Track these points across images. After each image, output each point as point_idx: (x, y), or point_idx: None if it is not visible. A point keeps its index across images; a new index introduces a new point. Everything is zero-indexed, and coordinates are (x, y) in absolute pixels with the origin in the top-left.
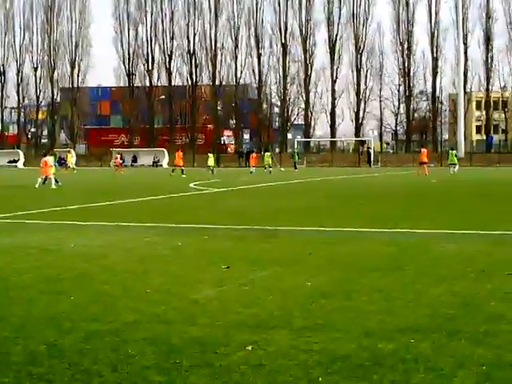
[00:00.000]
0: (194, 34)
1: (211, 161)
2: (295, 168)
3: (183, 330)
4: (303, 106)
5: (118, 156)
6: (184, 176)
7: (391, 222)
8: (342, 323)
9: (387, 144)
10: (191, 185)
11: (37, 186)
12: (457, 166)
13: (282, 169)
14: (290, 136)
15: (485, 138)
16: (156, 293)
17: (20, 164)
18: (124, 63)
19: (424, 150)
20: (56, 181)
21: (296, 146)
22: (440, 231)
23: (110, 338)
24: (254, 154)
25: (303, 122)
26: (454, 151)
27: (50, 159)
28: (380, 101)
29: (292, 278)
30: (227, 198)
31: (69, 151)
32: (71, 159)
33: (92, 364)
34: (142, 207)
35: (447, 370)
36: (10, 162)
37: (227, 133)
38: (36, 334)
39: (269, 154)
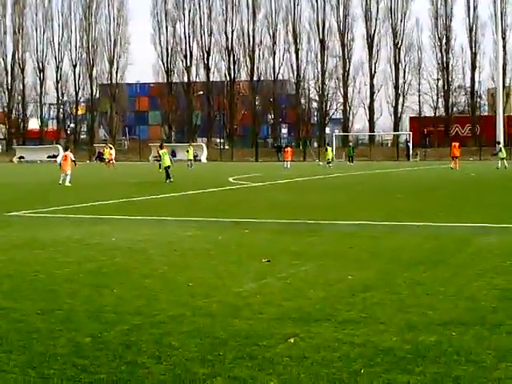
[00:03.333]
0: (232, 31)
1: (190, 154)
2: (351, 161)
3: (227, 322)
4: (341, 100)
5: (109, 150)
6: (160, 171)
7: (431, 215)
8: (384, 316)
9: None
10: (230, 179)
11: (60, 181)
12: (504, 161)
13: (321, 163)
14: (328, 130)
15: None
16: (198, 286)
17: (59, 159)
18: (162, 60)
19: (455, 144)
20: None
21: (349, 142)
22: (480, 225)
23: (154, 330)
24: (290, 149)
25: (341, 117)
26: (501, 145)
27: (71, 155)
28: (419, 95)
29: (334, 271)
30: (267, 192)
31: (107, 146)
32: (109, 154)
33: (136, 356)
34: (182, 202)
35: (488, 363)
36: (49, 156)
37: None
38: (81, 326)
39: (330, 148)
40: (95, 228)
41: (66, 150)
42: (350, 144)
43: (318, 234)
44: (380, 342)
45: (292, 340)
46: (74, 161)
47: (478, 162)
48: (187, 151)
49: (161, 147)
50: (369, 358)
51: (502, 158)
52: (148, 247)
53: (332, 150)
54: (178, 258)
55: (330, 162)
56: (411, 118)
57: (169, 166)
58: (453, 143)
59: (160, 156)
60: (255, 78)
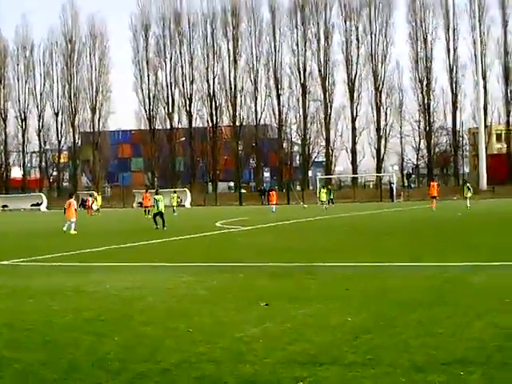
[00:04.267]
0: (214, 77)
1: (175, 200)
2: (332, 203)
3: (233, 368)
4: (324, 143)
5: (90, 198)
6: (149, 217)
7: (422, 255)
8: (389, 358)
9: (409, 176)
10: (218, 224)
11: (65, 228)
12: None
13: (306, 206)
14: (310, 173)
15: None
16: (199, 332)
17: (43, 207)
18: (145, 107)
19: (433, 184)
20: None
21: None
22: (471, 263)
23: (160, 378)
24: (274, 192)
25: (324, 159)
26: (468, 184)
27: (74, 202)
28: (401, 137)
29: (333, 314)
30: (257, 236)
31: (98, 193)
32: (98, 202)
33: None
34: (172, 247)
35: None
36: (33, 205)
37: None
38: (85, 376)
39: (325, 190)
40: (88, 276)
41: (70, 197)
42: (329, 187)
43: (312, 277)
44: None
45: None
46: (85, 206)
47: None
48: (172, 197)
49: (156, 193)
50: None
51: (467, 198)
52: (144, 294)
53: (326, 192)
54: (176, 304)
55: (323, 203)
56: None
57: (162, 213)
58: (431, 183)
59: (154, 201)
60: (237, 123)
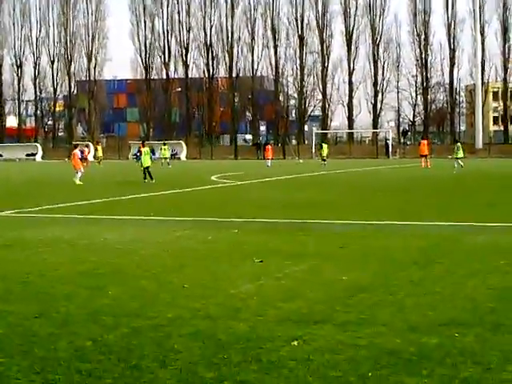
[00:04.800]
0: (211, 26)
1: (166, 152)
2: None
3: (227, 325)
4: (320, 97)
5: (86, 149)
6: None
7: (418, 214)
8: (384, 317)
9: (405, 133)
10: (213, 177)
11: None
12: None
13: (301, 161)
14: (306, 128)
15: (502, 129)
16: (194, 288)
17: (38, 157)
18: (141, 56)
19: (424, 142)
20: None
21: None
22: (467, 224)
23: (155, 333)
24: (270, 146)
25: (320, 114)
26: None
27: (78, 152)
28: (397, 92)
29: (327, 271)
30: (252, 191)
31: (98, 144)
32: (99, 153)
33: (140, 360)
34: (167, 200)
35: (495, 365)
36: (28, 155)
37: None
38: (80, 329)
39: (326, 145)
40: (84, 228)
41: (74, 147)
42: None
43: (307, 234)
44: (384, 344)
45: (295, 343)
46: (82, 158)
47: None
48: (162, 149)
49: (142, 145)
50: (375, 361)
51: (457, 158)
52: (139, 248)
53: (328, 147)
54: (170, 258)
55: (324, 160)
56: None
57: (148, 166)
58: (421, 141)
59: (140, 153)
60: (234, 75)
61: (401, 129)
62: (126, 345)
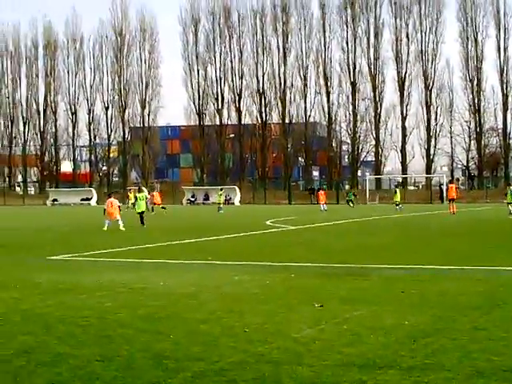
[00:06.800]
0: (263, 73)
1: (222, 198)
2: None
3: (291, 369)
4: (373, 142)
5: (130, 195)
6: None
7: (476, 259)
8: (449, 363)
9: (458, 180)
10: (268, 222)
11: (105, 228)
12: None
13: (353, 205)
14: (359, 173)
15: None
16: (255, 332)
17: (93, 202)
18: (194, 102)
19: (452, 186)
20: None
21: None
22: None
23: (219, 377)
24: (323, 192)
25: (373, 159)
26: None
27: (115, 201)
28: (451, 137)
29: (389, 316)
30: (308, 235)
31: (154, 190)
32: (157, 198)
33: None
34: (223, 245)
35: None
36: (83, 199)
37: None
38: (143, 373)
39: (399, 190)
40: (140, 272)
41: (109, 196)
42: (352, 190)
43: (365, 278)
44: None
45: None
46: (119, 206)
47: None
48: (219, 195)
49: (139, 190)
50: None
51: (509, 203)
52: (198, 291)
53: (400, 192)
54: (230, 302)
55: (398, 204)
56: None
57: (143, 211)
58: (449, 185)
59: (135, 199)
60: (287, 121)
61: (454, 174)
62: None
